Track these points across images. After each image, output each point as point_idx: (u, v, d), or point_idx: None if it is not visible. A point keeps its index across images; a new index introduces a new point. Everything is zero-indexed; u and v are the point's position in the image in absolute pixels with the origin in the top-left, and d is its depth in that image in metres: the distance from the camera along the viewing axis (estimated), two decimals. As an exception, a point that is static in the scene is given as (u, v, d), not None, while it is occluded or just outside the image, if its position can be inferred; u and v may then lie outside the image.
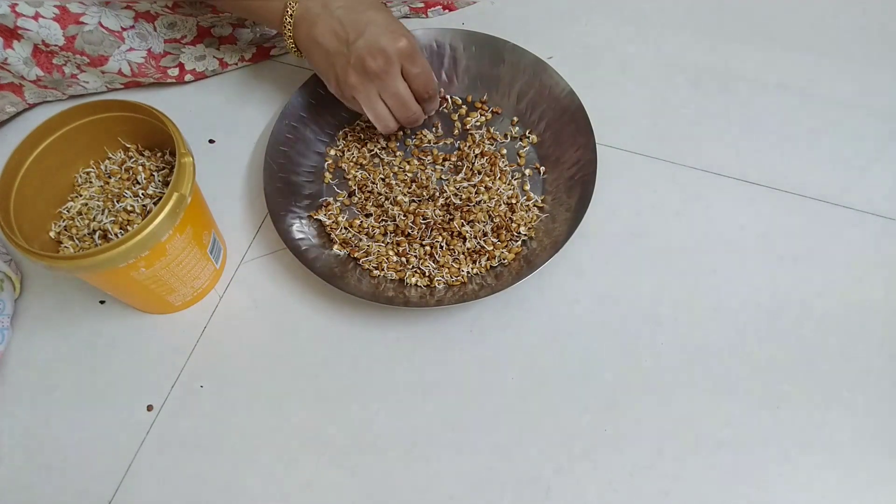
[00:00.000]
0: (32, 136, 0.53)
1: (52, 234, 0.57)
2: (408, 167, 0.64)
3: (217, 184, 0.65)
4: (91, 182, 0.58)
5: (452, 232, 0.60)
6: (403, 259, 0.60)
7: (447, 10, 0.76)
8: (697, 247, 0.61)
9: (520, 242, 0.61)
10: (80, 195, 0.58)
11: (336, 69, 0.56)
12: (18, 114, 0.70)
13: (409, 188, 0.63)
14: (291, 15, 0.57)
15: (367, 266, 0.60)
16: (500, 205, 0.61)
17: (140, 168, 0.58)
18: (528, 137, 0.66)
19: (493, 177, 0.63)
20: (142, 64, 0.67)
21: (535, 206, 0.62)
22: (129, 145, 0.59)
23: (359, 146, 0.66)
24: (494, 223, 0.61)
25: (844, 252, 0.61)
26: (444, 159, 0.65)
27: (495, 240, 0.60)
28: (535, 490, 0.52)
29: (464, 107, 0.68)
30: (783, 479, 0.52)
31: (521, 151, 0.65)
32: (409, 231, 0.60)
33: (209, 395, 0.57)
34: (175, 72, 0.70)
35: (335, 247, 0.61)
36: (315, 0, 0.56)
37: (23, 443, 0.55)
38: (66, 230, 0.57)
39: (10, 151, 0.52)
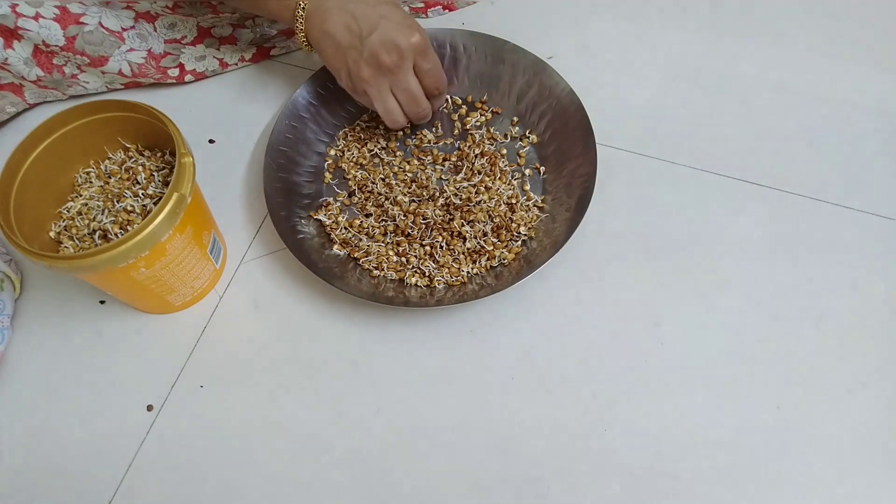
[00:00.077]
0: (32, 136, 0.53)
1: (52, 234, 0.57)
2: (408, 167, 0.64)
3: (217, 184, 0.65)
4: (91, 182, 0.58)
5: (452, 232, 0.60)
6: (403, 259, 0.60)
7: (447, 10, 0.76)
8: (697, 247, 0.61)
9: (520, 242, 0.61)
10: (80, 195, 0.58)
11: (348, 63, 0.56)
12: (18, 114, 0.70)
13: (409, 188, 0.63)
14: (304, 8, 0.57)
15: (367, 266, 0.60)
16: (500, 205, 0.61)
17: (140, 168, 0.58)
18: (528, 137, 0.66)
19: (493, 177, 0.63)
20: (142, 64, 0.67)
21: (535, 206, 0.62)
22: (129, 145, 0.59)
23: (359, 146, 0.66)
24: (494, 223, 0.61)
25: (844, 252, 0.61)
26: (444, 159, 0.65)
27: (495, 240, 0.60)
28: (535, 490, 0.52)
29: (464, 107, 0.68)
30: (783, 479, 0.52)
31: (521, 151, 0.65)
32: (409, 231, 0.60)
33: (209, 395, 0.57)
34: (175, 72, 0.70)
35: (335, 247, 0.61)
36: None
37: (23, 443, 0.55)
38: (66, 230, 0.57)
39: (10, 151, 0.52)
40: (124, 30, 0.64)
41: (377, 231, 0.61)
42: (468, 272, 0.59)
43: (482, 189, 0.62)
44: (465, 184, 0.63)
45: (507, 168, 0.64)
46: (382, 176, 0.64)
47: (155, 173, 0.58)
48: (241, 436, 0.55)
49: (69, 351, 0.59)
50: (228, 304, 0.61)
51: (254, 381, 0.57)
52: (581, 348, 0.57)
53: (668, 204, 0.64)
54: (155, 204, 0.57)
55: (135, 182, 0.58)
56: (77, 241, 0.56)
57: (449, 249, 0.60)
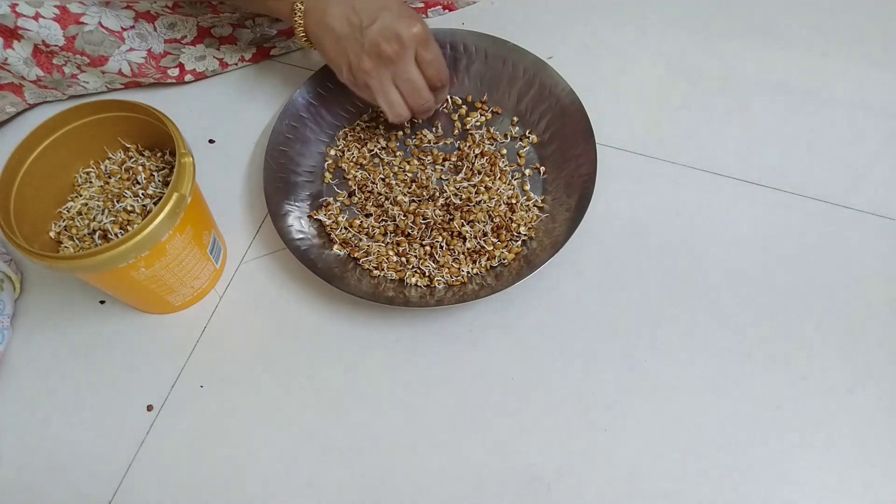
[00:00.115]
0: (32, 136, 0.53)
1: (52, 234, 0.57)
2: (408, 167, 0.64)
3: (217, 184, 0.65)
4: (91, 182, 0.58)
5: (452, 232, 0.60)
6: (403, 259, 0.60)
7: (447, 10, 0.76)
8: (697, 247, 0.61)
9: (520, 242, 0.61)
10: (80, 195, 0.58)
11: (349, 55, 0.56)
12: (18, 114, 0.70)
13: (409, 188, 0.63)
14: (302, 2, 0.57)
15: (367, 266, 0.60)
16: (500, 205, 0.61)
17: (140, 168, 0.58)
18: (528, 137, 0.66)
19: (493, 177, 0.63)
20: (142, 64, 0.67)
21: (535, 206, 0.62)
22: (129, 145, 0.59)
23: (359, 146, 0.66)
24: (494, 223, 0.61)
25: (844, 252, 0.61)
26: (444, 159, 0.65)
27: (495, 240, 0.60)
28: (535, 490, 0.52)
29: (464, 107, 0.68)
30: (783, 479, 0.52)
31: (521, 151, 0.65)
32: (409, 231, 0.60)
33: (209, 395, 0.57)
34: (175, 72, 0.70)
35: (335, 247, 0.61)
36: None
37: (23, 443, 0.55)
38: (66, 230, 0.57)
39: (10, 151, 0.52)
40: (124, 29, 0.64)
41: (377, 231, 0.61)
42: (468, 272, 0.59)
43: (482, 189, 0.62)
44: (465, 184, 0.63)
45: (507, 168, 0.64)
46: (382, 176, 0.64)
47: (155, 173, 0.58)
48: (241, 435, 0.55)
49: (69, 351, 0.59)
50: (228, 304, 0.61)
51: (254, 381, 0.57)
52: (581, 348, 0.57)
53: (668, 204, 0.64)
54: (155, 204, 0.57)
55: (135, 182, 0.58)
56: (77, 241, 0.56)
57: (449, 249, 0.60)
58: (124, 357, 0.59)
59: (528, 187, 0.64)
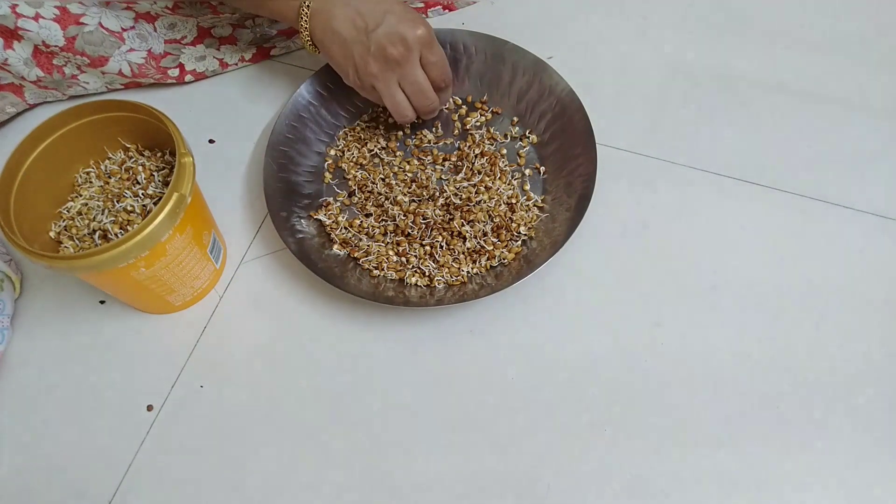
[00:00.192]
0: (32, 136, 0.53)
1: (52, 234, 0.57)
2: (408, 167, 0.64)
3: (217, 184, 0.65)
4: (91, 182, 0.59)
5: (452, 232, 0.60)
6: (403, 259, 0.60)
7: (447, 10, 0.76)
8: (697, 247, 0.61)
9: (520, 242, 0.61)
10: (80, 195, 0.58)
11: (355, 58, 0.57)
12: (18, 114, 0.70)
13: (409, 188, 0.63)
14: (308, 6, 0.57)
15: (367, 266, 0.60)
16: (500, 205, 0.61)
17: (140, 168, 0.58)
18: (528, 137, 0.66)
19: (493, 177, 0.63)
20: (142, 64, 0.67)
21: (535, 206, 0.62)
22: (129, 145, 0.59)
23: (359, 146, 0.66)
24: (494, 223, 0.61)
25: (844, 252, 0.61)
26: (444, 159, 0.65)
27: (495, 240, 0.60)
28: (535, 490, 0.52)
29: (464, 107, 0.68)
30: (783, 479, 0.52)
31: (521, 151, 0.65)
32: (409, 231, 0.60)
33: (209, 395, 0.57)
34: (175, 72, 0.70)
35: (335, 247, 0.61)
36: None
37: (23, 443, 0.55)
38: (66, 230, 0.57)
39: (10, 151, 0.52)
40: (124, 30, 0.64)
41: (377, 231, 0.61)
42: (468, 272, 0.59)
43: (482, 189, 0.62)
44: (465, 184, 0.63)
45: (507, 168, 0.64)
46: (382, 176, 0.64)
47: (155, 173, 0.58)
48: (241, 436, 0.55)
49: (69, 351, 0.59)
50: (228, 304, 0.61)
51: (254, 381, 0.57)
52: (581, 348, 0.57)
53: (668, 204, 0.64)
54: (155, 204, 0.57)
55: (135, 182, 0.58)
56: (77, 241, 0.56)
57: (449, 249, 0.60)
58: (124, 357, 0.59)
59: (528, 187, 0.64)
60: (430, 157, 0.65)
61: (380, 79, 0.57)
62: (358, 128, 0.68)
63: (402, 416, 0.55)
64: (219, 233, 0.61)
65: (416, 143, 0.67)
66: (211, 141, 0.69)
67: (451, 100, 0.68)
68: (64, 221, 0.57)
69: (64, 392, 0.57)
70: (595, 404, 0.55)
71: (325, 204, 0.64)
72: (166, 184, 0.58)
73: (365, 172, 0.65)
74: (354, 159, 0.66)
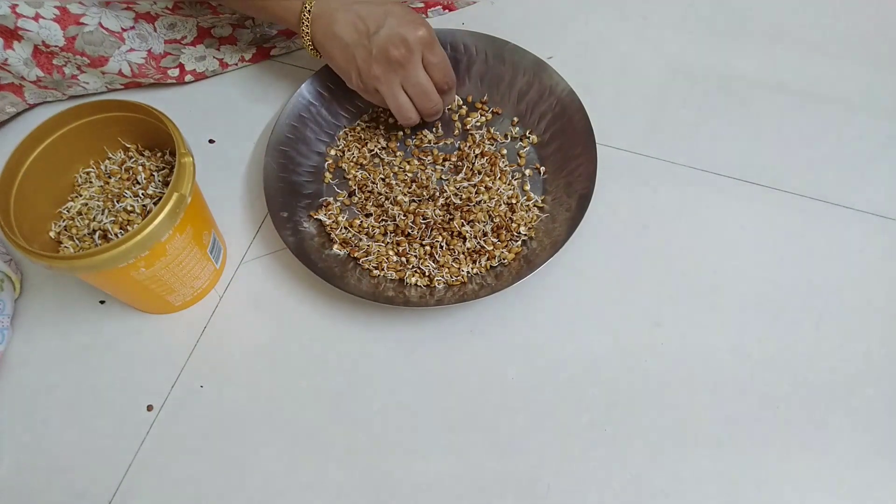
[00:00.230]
0: (32, 136, 0.53)
1: (52, 234, 0.57)
2: (408, 167, 0.64)
3: (217, 184, 0.65)
4: (91, 182, 0.59)
5: (452, 232, 0.60)
6: (403, 259, 0.60)
7: (447, 10, 0.76)
8: (697, 247, 0.61)
9: (520, 242, 0.61)
10: (80, 195, 0.58)
11: (357, 62, 0.57)
12: (18, 114, 0.70)
13: (410, 188, 0.63)
14: (309, 11, 0.57)
15: (367, 266, 0.60)
16: (500, 205, 0.61)
17: (140, 168, 0.58)
18: (528, 137, 0.66)
19: (493, 177, 0.63)
20: (142, 64, 0.67)
21: (535, 206, 0.62)
22: (129, 145, 0.59)
23: (359, 146, 0.66)
24: (494, 223, 0.61)
25: (845, 252, 0.61)
26: (445, 159, 0.65)
27: (495, 240, 0.60)
28: (535, 490, 0.52)
29: (464, 107, 0.68)
30: (783, 479, 0.52)
31: (521, 151, 0.65)
32: (409, 231, 0.60)
33: (209, 395, 0.57)
34: (175, 72, 0.70)
35: (335, 247, 0.61)
36: None
37: (23, 442, 0.55)
38: (66, 230, 0.57)
39: (10, 151, 0.52)
40: (124, 30, 0.64)
41: (377, 231, 0.61)
42: (468, 272, 0.59)
43: (482, 189, 0.62)
44: (466, 184, 0.63)
45: (508, 168, 0.64)
46: (382, 176, 0.64)
47: (155, 173, 0.58)
48: (241, 436, 0.55)
49: (69, 351, 0.59)
50: (228, 304, 0.61)
51: (254, 381, 0.57)
52: (581, 348, 0.57)
53: (668, 204, 0.64)
54: (155, 204, 0.57)
55: (135, 182, 0.58)
56: (77, 241, 0.56)
57: (449, 249, 0.60)
58: (124, 357, 0.59)
59: (528, 187, 0.64)
60: (430, 157, 0.65)
61: (383, 81, 0.57)
62: (358, 128, 0.68)
63: (402, 416, 0.55)
64: (219, 233, 0.61)
65: (417, 143, 0.67)
66: (211, 141, 0.69)
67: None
68: (64, 221, 0.57)
69: (64, 392, 0.57)
70: (595, 404, 0.55)
71: (325, 204, 0.64)
72: (166, 184, 0.58)
73: (365, 172, 0.65)
74: (355, 159, 0.66)
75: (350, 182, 0.65)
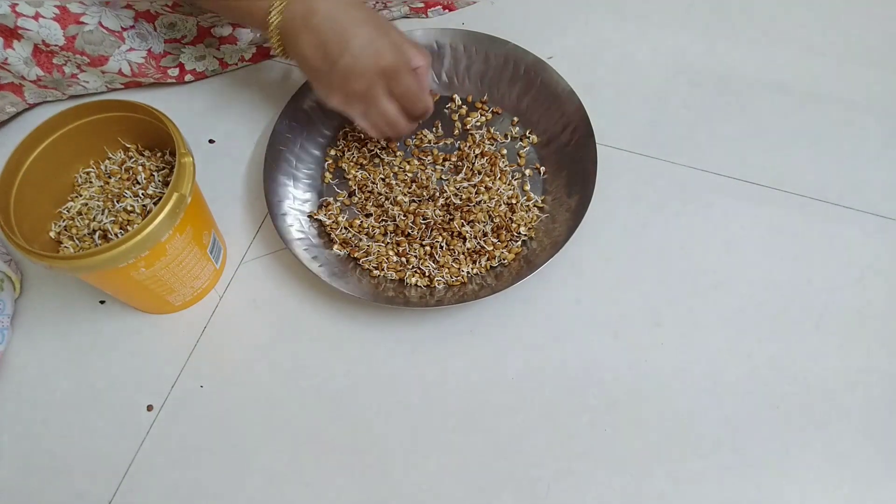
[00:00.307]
0: (32, 136, 0.53)
1: (52, 234, 0.57)
2: (408, 167, 0.64)
3: (217, 184, 0.65)
4: (91, 182, 0.58)
5: (452, 232, 0.60)
6: (403, 259, 0.60)
7: (447, 10, 0.76)
8: (697, 247, 0.61)
9: (520, 242, 0.61)
10: (80, 195, 0.58)
11: (321, 87, 0.56)
12: (18, 114, 0.70)
13: (409, 188, 0.63)
14: (276, 25, 0.54)
15: (367, 266, 0.60)
16: (500, 205, 0.61)
17: (140, 168, 0.58)
18: (529, 137, 0.66)
19: (493, 177, 0.63)
20: (142, 64, 0.67)
21: (535, 206, 0.62)
22: (129, 145, 0.59)
23: (359, 146, 0.66)
24: (494, 223, 0.61)
25: (845, 252, 0.61)
26: (445, 159, 0.65)
27: (495, 240, 0.60)
28: (535, 490, 0.52)
29: (464, 107, 0.68)
30: (783, 479, 0.52)
31: (521, 151, 0.65)
32: (409, 231, 0.60)
33: (209, 395, 0.57)
34: (175, 72, 0.70)
35: (335, 247, 0.61)
36: (299, 6, 0.52)
37: (23, 443, 0.55)
38: (66, 230, 0.57)
39: (10, 151, 0.52)
40: (124, 29, 0.64)
41: (377, 231, 0.61)
42: (468, 272, 0.59)
43: (482, 189, 0.62)
44: (466, 184, 0.63)
45: (508, 168, 0.64)
46: (382, 176, 0.64)
47: (155, 173, 0.58)
48: (241, 436, 0.55)
49: (69, 351, 0.59)
50: (228, 304, 0.61)
51: (254, 381, 0.57)
52: (581, 348, 0.57)
53: (668, 204, 0.64)
54: (155, 204, 0.57)
55: (135, 182, 0.58)
56: (77, 241, 0.56)
57: (449, 249, 0.60)
58: (124, 357, 0.59)
59: (528, 187, 0.64)
60: (430, 158, 0.65)
61: (346, 110, 0.56)
62: (358, 128, 0.68)
63: (402, 416, 0.55)
64: (219, 233, 0.61)
65: (417, 143, 0.67)
66: (211, 141, 0.69)
67: (452, 99, 0.68)
68: (64, 221, 0.57)
69: (64, 392, 0.57)
70: (595, 404, 0.55)
71: (325, 204, 0.64)
72: (166, 184, 0.58)
73: (365, 172, 0.65)
74: (354, 159, 0.66)
75: (350, 182, 0.65)
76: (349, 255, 0.61)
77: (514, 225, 0.60)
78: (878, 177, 0.64)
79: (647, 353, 0.57)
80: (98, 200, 0.58)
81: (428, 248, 0.60)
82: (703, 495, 0.52)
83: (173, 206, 0.49)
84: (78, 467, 0.54)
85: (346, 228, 0.62)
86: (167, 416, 0.56)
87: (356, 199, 0.64)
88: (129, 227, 0.56)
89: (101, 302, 0.61)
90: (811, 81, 0.70)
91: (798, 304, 0.59)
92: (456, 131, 0.67)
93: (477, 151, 0.64)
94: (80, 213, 0.57)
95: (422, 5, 0.75)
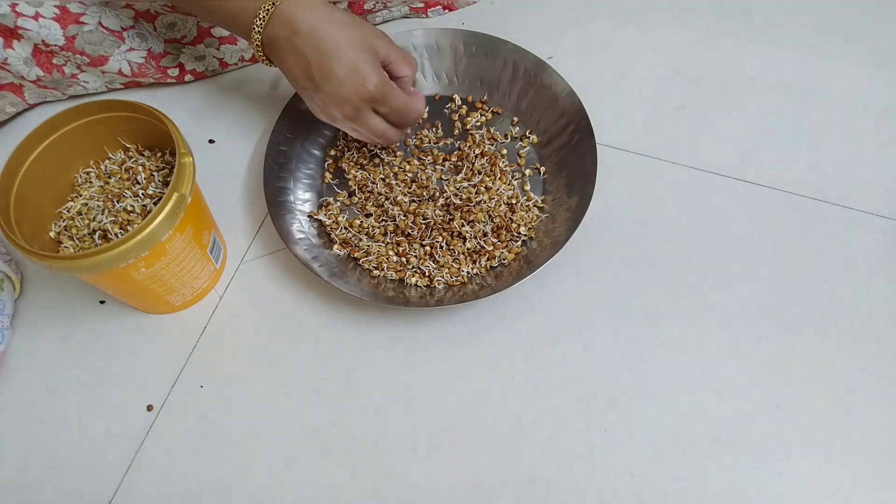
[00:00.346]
0: (32, 136, 0.53)
1: (52, 234, 0.57)
2: (408, 167, 0.64)
3: (217, 184, 0.65)
4: (91, 182, 0.58)
5: (452, 232, 0.60)
6: (403, 259, 0.60)
7: (447, 10, 0.76)
8: (697, 247, 0.61)
9: (520, 242, 0.61)
10: (80, 195, 0.58)
11: (309, 103, 0.57)
12: (18, 114, 0.70)
13: (409, 188, 0.63)
14: (260, 44, 0.54)
15: (367, 266, 0.60)
16: (500, 205, 0.61)
17: (140, 168, 0.58)
18: (528, 137, 0.66)
19: (493, 177, 0.63)
20: (142, 64, 0.67)
21: (535, 206, 0.62)
22: (129, 145, 0.59)
23: (359, 146, 0.66)
24: (494, 223, 0.61)
25: (844, 252, 0.61)
26: (445, 159, 0.65)
27: (495, 240, 0.60)
28: (535, 490, 0.52)
29: (464, 107, 0.68)
30: (783, 479, 0.52)
31: (521, 151, 0.65)
32: (409, 231, 0.60)
33: (209, 395, 0.57)
34: (175, 72, 0.70)
35: (335, 247, 0.61)
36: (281, 27, 0.52)
37: (23, 443, 0.55)
38: (66, 230, 0.57)
39: (10, 151, 0.52)
40: (124, 29, 0.64)
41: (377, 231, 0.61)
42: (468, 272, 0.59)
43: (482, 189, 0.62)
44: (466, 184, 0.63)
45: (508, 168, 0.64)
46: (382, 176, 0.64)
47: (155, 173, 0.58)
48: (241, 435, 0.55)
49: (69, 351, 0.59)
50: (228, 304, 0.61)
51: (254, 381, 0.57)
52: (581, 348, 0.57)
53: (668, 204, 0.64)
54: (155, 204, 0.57)
55: (135, 182, 0.58)
56: (77, 241, 0.56)
57: (449, 249, 0.60)
58: (124, 357, 0.59)
59: (528, 187, 0.64)
60: (430, 157, 0.65)
61: (335, 125, 0.57)
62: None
63: (402, 416, 0.55)
64: (219, 233, 0.61)
65: (417, 143, 0.67)
66: (211, 141, 0.69)
67: (452, 99, 0.68)
68: (64, 221, 0.57)
69: (64, 392, 0.57)
70: (595, 404, 0.55)
71: (325, 204, 0.64)
72: (166, 184, 0.58)
73: (365, 172, 0.65)
74: (354, 159, 0.66)
75: (350, 182, 0.65)
76: (349, 255, 0.61)
77: (514, 225, 0.60)
78: (878, 177, 0.64)
79: (647, 352, 0.57)
80: (98, 200, 0.58)
81: (428, 248, 0.60)
82: (703, 495, 0.52)
83: (173, 206, 0.49)
84: (78, 467, 0.54)
85: (346, 228, 0.62)
86: (167, 416, 0.56)
87: (356, 199, 0.64)
88: (129, 227, 0.56)
89: (101, 302, 0.61)
90: (811, 81, 0.70)
91: (798, 304, 0.59)
92: (456, 131, 0.67)
93: (477, 151, 0.64)
94: (80, 213, 0.57)
95: (422, 5, 0.75)
